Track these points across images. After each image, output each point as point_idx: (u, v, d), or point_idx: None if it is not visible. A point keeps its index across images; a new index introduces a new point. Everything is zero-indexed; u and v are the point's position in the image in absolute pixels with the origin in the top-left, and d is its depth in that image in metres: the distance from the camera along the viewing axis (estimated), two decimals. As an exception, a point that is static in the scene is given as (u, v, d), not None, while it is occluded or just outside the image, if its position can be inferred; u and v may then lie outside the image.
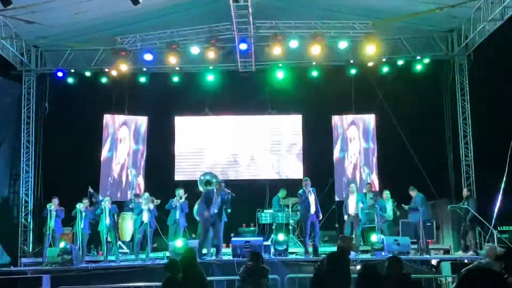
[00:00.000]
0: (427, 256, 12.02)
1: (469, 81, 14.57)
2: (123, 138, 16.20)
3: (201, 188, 13.69)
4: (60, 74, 14.80)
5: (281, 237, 12.17)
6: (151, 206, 12.70)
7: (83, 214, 12.71)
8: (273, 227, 13.73)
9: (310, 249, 12.12)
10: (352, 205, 13.10)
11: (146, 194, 13.10)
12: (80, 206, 12.63)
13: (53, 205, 12.74)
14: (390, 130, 15.25)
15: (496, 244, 11.24)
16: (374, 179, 15.70)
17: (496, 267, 6.12)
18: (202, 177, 14.10)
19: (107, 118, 16.05)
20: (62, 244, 11.84)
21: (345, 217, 13.21)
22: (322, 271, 6.41)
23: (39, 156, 14.93)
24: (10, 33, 13.06)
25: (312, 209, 12.04)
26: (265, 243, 12.17)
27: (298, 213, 13.36)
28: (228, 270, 10.39)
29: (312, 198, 12.08)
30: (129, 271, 11.16)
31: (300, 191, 12.26)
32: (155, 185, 15.13)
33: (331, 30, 13.89)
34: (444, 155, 15.00)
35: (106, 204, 12.75)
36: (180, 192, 13.17)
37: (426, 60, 14.65)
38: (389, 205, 13.14)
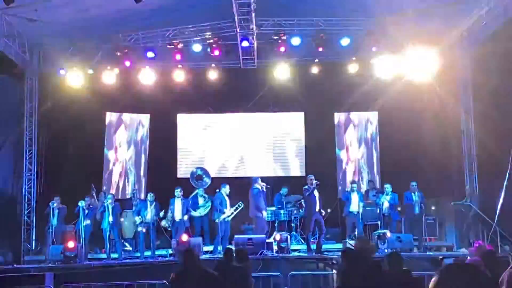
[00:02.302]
0: (430, 253, 12.02)
1: (472, 78, 14.51)
2: (124, 135, 16.23)
3: (192, 183, 13.71)
4: (62, 72, 14.78)
5: (277, 237, 12.14)
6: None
7: (86, 212, 12.76)
8: (276, 224, 13.74)
9: (313, 246, 12.13)
10: (355, 203, 13.13)
11: (150, 195, 13.22)
12: (82, 204, 12.67)
13: (56, 203, 12.80)
14: (392, 127, 15.25)
15: (498, 241, 11.25)
16: (376, 176, 15.72)
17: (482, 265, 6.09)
18: (194, 173, 14.08)
19: (109, 116, 16.08)
20: (68, 242, 11.86)
21: (345, 214, 13.24)
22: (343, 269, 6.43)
23: (42, 154, 14.95)
24: (12, 32, 13.07)
25: (317, 207, 12.06)
26: (267, 240, 12.19)
27: (301, 210, 13.37)
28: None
29: (317, 195, 12.10)
30: (132, 269, 11.19)
31: (305, 187, 12.29)
32: (158, 183, 15.17)
33: (333, 27, 13.89)
34: (447, 152, 14.96)
35: (109, 202, 12.79)
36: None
37: (429, 57, 14.56)
38: (415, 199, 12.80)
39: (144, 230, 12.71)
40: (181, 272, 6.38)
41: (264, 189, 12.77)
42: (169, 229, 13.13)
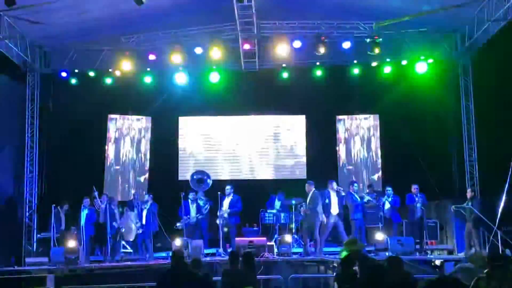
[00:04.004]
0: (431, 256, 12.02)
1: (472, 81, 14.54)
2: (126, 138, 16.24)
3: (193, 187, 13.70)
4: (64, 74, 14.81)
5: (287, 238, 12.14)
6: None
7: (87, 214, 12.78)
8: (277, 227, 13.71)
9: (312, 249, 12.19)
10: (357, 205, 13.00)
11: (146, 196, 13.39)
12: (84, 211, 12.71)
13: (60, 208, 12.89)
14: (393, 130, 15.27)
15: (500, 245, 11.23)
16: (378, 179, 15.72)
17: (476, 272, 6.09)
18: (195, 176, 14.05)
19: (111, 118, 16.10)
20: (69, 244, 11.91)
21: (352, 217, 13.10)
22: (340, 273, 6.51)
23: (43, 156, 14.96)
24: (14, 33, 13.08)
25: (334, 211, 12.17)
26: (268, 243, 12.18)
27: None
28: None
29: (335, 200, 12.15)
30: (133, 271, 11.17)
31: (325, 191, 12.32)
32: (159, 185, 15.18)
33: (334, 30, 13.91)
34: (448, 156, 14.98)
35: (110, 204, 12.81)
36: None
37: (430, 61, 14.62)
38: (417, 201, 12.80)
39: (139, 231, 12.80)
40: (167, 274, 6.46)
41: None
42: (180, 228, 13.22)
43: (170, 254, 8.02)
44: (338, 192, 12.57)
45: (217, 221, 13.03)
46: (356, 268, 6.59)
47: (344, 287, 6.47)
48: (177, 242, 12.04)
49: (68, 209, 13.16)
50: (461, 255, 12.23)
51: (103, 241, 12.77)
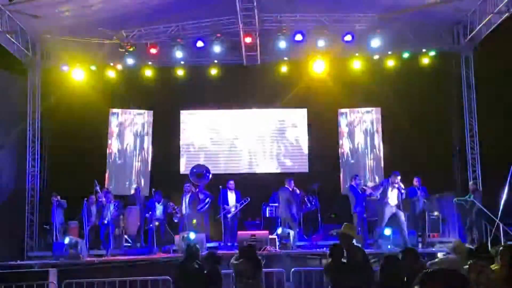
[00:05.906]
0: (433, 249, 12.01)
1: (475, 74, 14.50)
2: (128, 132, 16.25)
3: (193, 180, 13.68)
4: (65, 68, 14.81)
5: (278, 230, 12.17)
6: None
7: (90, 208, 12.81)
8: (278, 220, 13.70)
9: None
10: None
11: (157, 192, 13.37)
12: (87, 205, 12.74)
13: (56, 200, 12.92)
14: (395, 123, 15.25)
15: (502, 237, 11.23)
16: (380, 172, 15.72)
17: (461, 263, 6.08)
18: (195, 170, 14.02)
19: (112, 112, 16.10)
20: (67, 240, 11.94)
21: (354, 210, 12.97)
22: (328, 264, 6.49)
23: (45, 150, 14.97)
24: (16, 28, 13.06)
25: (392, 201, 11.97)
26: (270, 236, 12.18)
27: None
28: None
29: (394, 192, 11.99)
30: (135, 265, 11.18)
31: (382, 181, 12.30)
32: (161, 179, 15.18)
33: (336, 23, 13.86)
34: (450, 149, 14.96)
35: (112, 198, 12.83)
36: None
37: (432, 53, 14.60)
38: (419, 194, 12.65)
39: (156, 224, 12.88)
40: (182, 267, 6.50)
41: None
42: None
43: (185, 247, 7.96)
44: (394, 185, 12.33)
45: (219, 216, 13.04)
46: (344, 260, 6.57)
47: (334, 277, 6.45)
48: (192, 235, 11.94)
49: (59, 201, 13.12)
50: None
51: (106, 234, 12.80)
